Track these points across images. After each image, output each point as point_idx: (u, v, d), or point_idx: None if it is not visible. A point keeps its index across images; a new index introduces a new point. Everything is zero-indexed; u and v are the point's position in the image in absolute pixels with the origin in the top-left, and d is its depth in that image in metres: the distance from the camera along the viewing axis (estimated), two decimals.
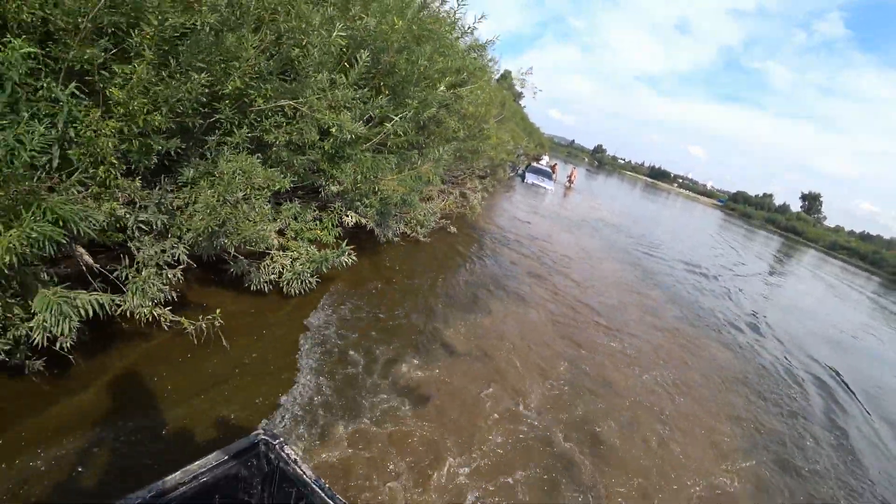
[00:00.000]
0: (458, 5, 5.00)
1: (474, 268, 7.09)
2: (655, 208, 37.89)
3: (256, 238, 3.12)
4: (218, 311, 2.86)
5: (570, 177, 28.61)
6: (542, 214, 14.63)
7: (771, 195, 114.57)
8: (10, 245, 1.79)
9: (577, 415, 4.07)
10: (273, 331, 3.72)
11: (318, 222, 4.37)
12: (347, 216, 4.54)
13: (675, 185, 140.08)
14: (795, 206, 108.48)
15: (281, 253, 3.82)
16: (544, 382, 4.39)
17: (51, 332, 2.08)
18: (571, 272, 8.63)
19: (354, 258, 3.88)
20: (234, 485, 1.79)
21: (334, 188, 4.16)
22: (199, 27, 2.48)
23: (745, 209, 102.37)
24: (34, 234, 1.83)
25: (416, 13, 4.34)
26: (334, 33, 3.34)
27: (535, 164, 24.95)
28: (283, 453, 1.76)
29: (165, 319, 2.71)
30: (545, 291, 7.04)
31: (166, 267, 2.77)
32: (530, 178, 21.71)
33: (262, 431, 1.81)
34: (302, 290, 3.73)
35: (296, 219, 4.09)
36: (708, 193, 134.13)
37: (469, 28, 5.31)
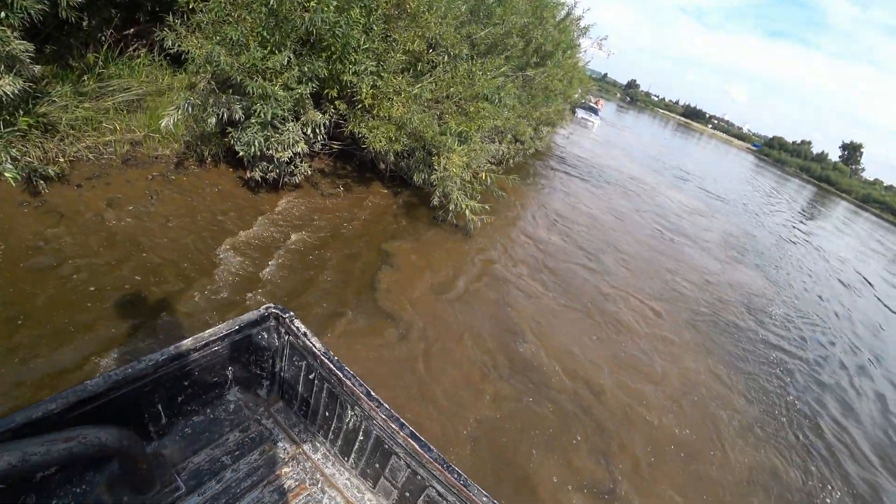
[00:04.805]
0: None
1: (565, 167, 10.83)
2: (688, 147, 40.27)
3: None
4: None
5: (596, 102, 30.78)
6: (594, 141, 18.55)
7: (809, 143, 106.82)
8: None
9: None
10: None
11: None
12: None
13: (710, 126, 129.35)
14: (835, 155, 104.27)
15: None
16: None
17: None
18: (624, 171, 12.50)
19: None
20: (246, 355, 1.82)
21: None
22: None
23: (780, 155, 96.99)
24: None
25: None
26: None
27: (582, 101, 27.52)
28: (293, 326, 1.75)
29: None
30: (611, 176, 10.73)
31: None
32: (580, 113, 24.46)
33: (272, 305, 1.81)
34: None
35: None
36: (743, 137, 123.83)
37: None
